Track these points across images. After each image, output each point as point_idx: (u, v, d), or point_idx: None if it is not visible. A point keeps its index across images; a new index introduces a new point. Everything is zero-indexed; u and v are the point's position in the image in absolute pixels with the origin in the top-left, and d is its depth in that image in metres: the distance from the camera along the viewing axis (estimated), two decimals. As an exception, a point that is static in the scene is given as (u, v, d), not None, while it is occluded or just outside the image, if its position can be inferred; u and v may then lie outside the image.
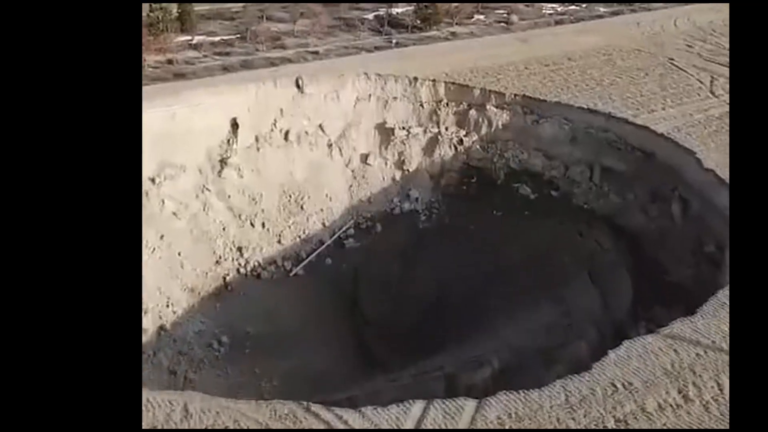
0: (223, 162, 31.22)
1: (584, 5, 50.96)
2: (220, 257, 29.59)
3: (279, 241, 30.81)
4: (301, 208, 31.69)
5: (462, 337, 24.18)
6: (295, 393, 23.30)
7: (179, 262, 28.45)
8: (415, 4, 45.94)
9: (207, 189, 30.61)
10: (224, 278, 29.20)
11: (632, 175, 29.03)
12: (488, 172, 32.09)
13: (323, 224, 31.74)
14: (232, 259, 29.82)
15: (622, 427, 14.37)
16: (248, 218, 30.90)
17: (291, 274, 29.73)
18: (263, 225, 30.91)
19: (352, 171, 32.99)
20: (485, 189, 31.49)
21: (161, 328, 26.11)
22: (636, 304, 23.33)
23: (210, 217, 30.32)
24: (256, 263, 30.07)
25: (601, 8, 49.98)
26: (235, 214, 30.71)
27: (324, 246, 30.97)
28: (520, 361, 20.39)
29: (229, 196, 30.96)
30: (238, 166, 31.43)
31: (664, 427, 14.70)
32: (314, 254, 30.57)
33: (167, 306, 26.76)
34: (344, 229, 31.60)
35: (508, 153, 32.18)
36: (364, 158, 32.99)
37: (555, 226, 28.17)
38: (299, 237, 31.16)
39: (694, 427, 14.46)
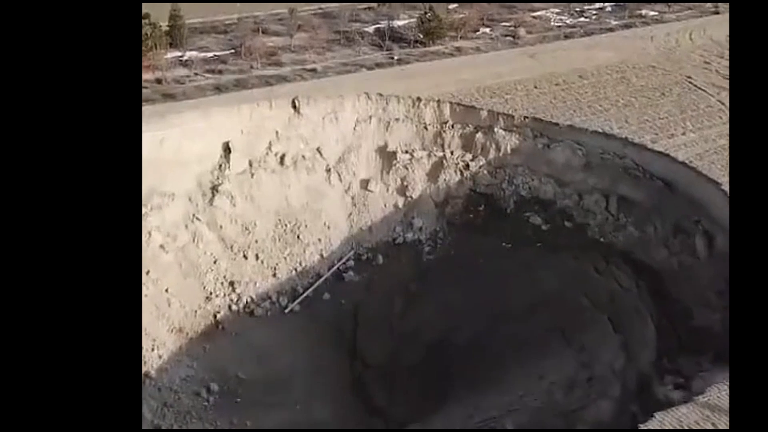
0: (214, 189, 29.36)
1: (594, 17, 48.96)
2: (210, 293, 27.65)
3: (274, 275, 28.85)
4: (298, 237, 29.73)
5: (470, 387, 22.16)
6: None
7: (166, 299, 26.51)
8: (417, 17, 43.89)
9: (197, 218, 28.71)
10: (215, 316, 27.24)
11: (651, 206, 27.07)
12: (496, 199, 30.15)
13: (321, 255, 29.77)
14: (224, 295, 27.87)
15: None
16: (241, 250, 28.95)
17: (286, 311, 27.78)
18: (257, 257, 28.94)
19: (352, 197, 31.05)
20: (493, 218, 29.54)
21: (146, 375, 24.12)
22: (661, 354, 21.35)
23: (200, 249, 28.39)
24: (250, 299, 28.12)
25: (612, 21, 48.01)
26: (227, 245, 28.77)
27: (322, 279, 29.02)
28: (538, 424, 18.35)
29: (220, 226, 29.06)
30: (230, 194, 29.54)
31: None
32: (311, 289, 28.63)
33: (152, 349, 24.82)
34: (344, 260, 29.63)
35: (518, 179, 30.28)
36: (365, 184, 31.08)
37: (569, 261, 26.18)
38: (295, 270, 29.21)
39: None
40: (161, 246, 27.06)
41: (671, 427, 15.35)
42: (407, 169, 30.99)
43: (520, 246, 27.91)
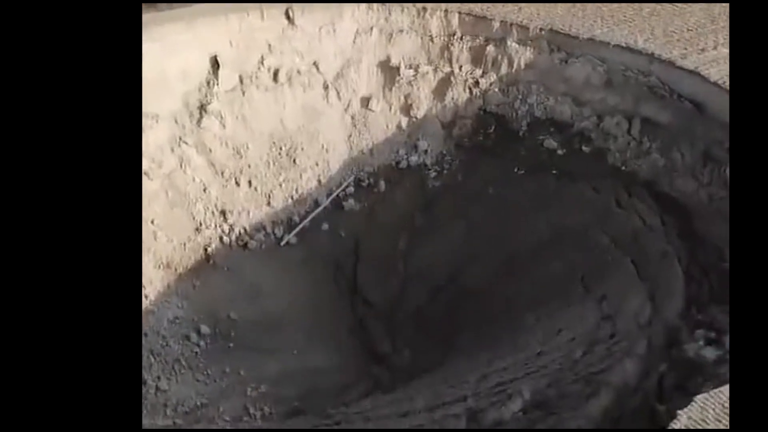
0: (202, 109, 26.61)
1: None
2: (200, 224, 25.39)
3: (268, 203, 26.55)
4: (294, 162, 27.23)
5: (480, 338, 20.24)
6: (284, 401, 19.80)
7: (152, 232, 24.25)
8: None
9: (184, 142, 26.10)
10: (205, 249, 25.09)
11: (678, 130, 24.41)
12: (508, 120, 27.48)
13: (319, 181, 27.39)
14: (215, 226, 25.63)
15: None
16: (232, 175, 26.50)
17: (282, 244, 25.60)
18: (250, 183, 26.54)
19: (352, 117, 28.36)
20: (504, 141, 26.94)
21: (131, 318, 22.05)
22: (690, 304, 19.23)
23: (188, 175, 25.94)
24: (242, 230, 25.91)
25: None
26: (217, 171, 26.31)
27: (320, 208, 26.70)
28: (557, 390, 16.42)
29: (210, 150, 26.50)
30: (219, 114, 26.83)
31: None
32: (309, 219, 26.35)
33: (138, 289, 22.68)
34: (343, 187, 27.26)
35: (532, 98, 27.49)
36: (365, 102, 28.30)
37: (587, 191, 23.79)
38: (291, 197, 26.87)
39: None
40: (145, 173, 24.55)
41: (715, 418, 13.31)
42: (411, 85, 28.18)
43: (533, 173, 25.48)
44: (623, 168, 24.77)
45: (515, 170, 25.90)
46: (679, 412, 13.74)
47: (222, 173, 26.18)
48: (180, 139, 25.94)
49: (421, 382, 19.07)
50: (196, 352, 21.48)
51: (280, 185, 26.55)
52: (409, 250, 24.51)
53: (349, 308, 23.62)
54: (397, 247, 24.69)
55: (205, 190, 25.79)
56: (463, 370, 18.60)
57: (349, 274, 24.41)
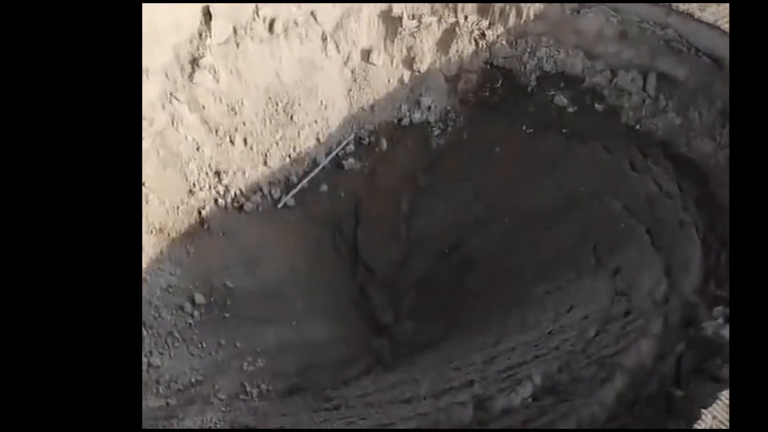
0: (194, 63, 24.87)
1: None
2: (193, 185, 24.05)
3: (265, 162, 25.15)
4: (291, 118, 25.72)
5: (487, 313, 19.16)
6: (282, 377, 18.83)
7: (144, 194, 22.93)
8: None
9: (176, 98, 24.52)
10: (199, 212, 23.80)
11: (696, 87, 22.99)
12: (516, 74, 25.89)
13: (317, 139, 25.91)
14: (209, 187, 24.29)
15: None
16: (227, 133, 25.04)
17: (279, 206, 24.32)
18: (245, 141, 25.09)
19: (352, 71, 26.71)
20: (512, 97, 25.41)
21: (122, 288, 20.94)
22: (707, 278, 18.12)
23: (180, 133, 24.47)
24: (238, 191, 24.57)
25: None
26: (210, 129, 24.82)
27: (319, 168, 25.31)
28: (569, 374, 15.41)
29: (203, 106, 24.93)
30: (213, 67, 25.14)
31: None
32: (307, 179, 24.98)
33: (129, 256, 21.46)
34: (343, 145, 25.82)
35: (541, 51, 25.86)
36: (366, 55, 26.61)
37: (600, 152, 22.44)
38: (289, 156, 25.45)
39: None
40: (135, 132, 23.06)
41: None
42: (414, 37, 26.44)
43: (542, 131, 24.07)
44: (637, 127, 23.41)
45: (523, 129, 24.51)
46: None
47: (216, 131, 24.75)
48: (171, 95, 24.42)
49: (425, 359, 18.06)
50: (190, 323, 20.43)
51: (277, 144, 25.13)
52: (412, 214, 23.26)
53: (350, 275, 22.52)
54: (400, 210, 23.48)
55: (198, 149, 24.39)
56: (470, 349, 17.55)
57: (350, 238, 23.25)
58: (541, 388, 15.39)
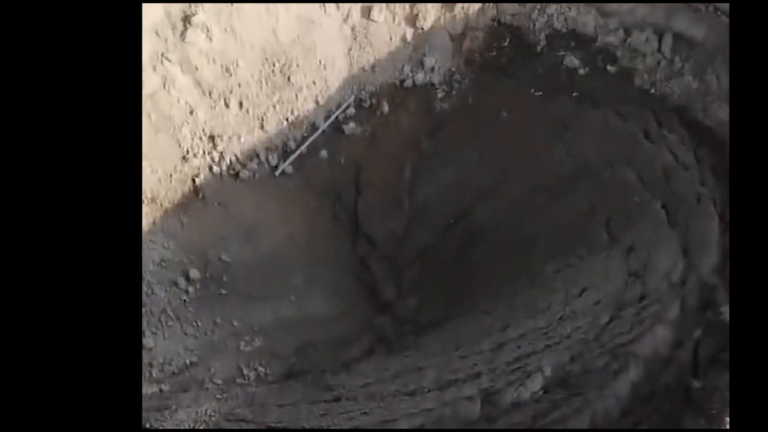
0: (186, 21, 23.41)
1: None
2: (187, 151, 22.84)
3: (261, 126, 23.87)
4: (288, 80, 24.32)
5: (495, 292, 18.16)
6: (280, 358, 17.98)
7: (135, 162, 21.63)
8: None
9: (167, 58, 23.14)
10: (194, 180, 22.65)
11: (714, 48, 21.54)
12: (524, 33, 24.38)
13: (316, 102, 24.55)
14: (204, 153, 23.09)
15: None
16: (222, 96, 23.69)
17: (277, 173, 23.13)
18: (241, 105, 23.78)
19: (352, 29, 25.17)
20: (520, 57, 23.98)
21: (113, 263, 19.90)
22: (726, 256, 17.03)
23: (172, 96, 23.14)
24: (234, 158, 23.37)
25: None
26: (204, 91, 23.49)
27: (318, 132, 24.03)
28: (581, 365, 14.48)
29: (196, 67, 23.55)
30: (206, 26, 23.68)
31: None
32: (306, 144, 23.72)
33: (121, 229, 20.36)
34: (343, 108, 24.48)
35: (551, 8, 24.30)
36: (367, 12, 25.02)
37: (612, 119, 21.15)
38: (287, 120, 24.15)
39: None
40: (125, 95, 21.73)
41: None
42: (418, -8, 24.83)
43: (552, 95, 22.69)
44: (652, 91, 22.04)
45: (531, 91, 23.13)
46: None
47: (210, 93, 23.42)
48: (162, 55, 23.04)
49: (429, 341, 17.08)
50: (185, 300, 19.46)
51: (274, 107, 23.81)
52: (415, 182, 22.08)
53: (350, 247, 21.48)
54: (402, 178, 22.23)
55: (191, 113, 23.12)
56: (476, 332, 16.59)
57: (350, 207, 22.06)
58: (551, 380, 14.47)
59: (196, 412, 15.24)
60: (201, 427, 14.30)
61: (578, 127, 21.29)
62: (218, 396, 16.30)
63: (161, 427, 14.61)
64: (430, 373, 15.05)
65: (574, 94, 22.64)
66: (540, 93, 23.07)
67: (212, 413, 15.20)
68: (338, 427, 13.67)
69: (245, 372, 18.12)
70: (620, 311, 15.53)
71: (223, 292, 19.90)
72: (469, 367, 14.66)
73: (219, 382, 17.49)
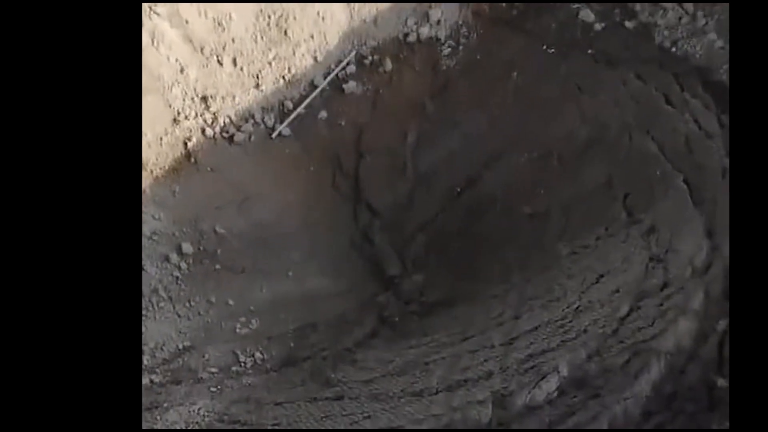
0: (174, -31, 21.55)
1: None
2: (178, 113, 21.27)
3: (257, 85, 22.23)
4: (285, 34, 22.55)
5: (506, 272, 16.90)
6: (278, 342, 16.89)
7: (122, 126, 20.08)
8: None
9: (155, 12, 21.37)
10: (185, 144, 21.13)
11: (741, 3, 19.60)
12: (537, -17, 22.43)
13: (315, 58, 22.82)
14: (196, 115, 21.51)
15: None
16: (214, 53, 21.98)
17: (273, 136, 21.59)
18: (235, 62, 22.07)
19: (352, -23, 23.26)
20: (532, 10, 22.22)
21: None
22: (754, 238, 15.61)
23: (161, 53, 21.46)
24: (227, 119, 21.79)
25: None
26: (195, 48, 21.76)
27: (317, 91, 22.39)
28: (599, 363, 13.35)
29: (186, 21, 21.76)
30: (195, -26, 21.82)
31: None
32: (304, 104, 22.12)
33: (108, 199, 18.95)
34: (343, 65, 22.76)
35: (566, -44, 22.29)
36: (368, -42, 23.07)
37: (631, 81, 19.57)
38: (283, 78, 22.48)
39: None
40: (110, 53, 20.02)
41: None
42: (423, -65, 22.85)
43: (565, 52, 21.04)
44: (673, 50, 20.32)
45: (544, 48, 21.39)
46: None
47: (201, 50, 21.69)
48: (150, 9, 21.22)
49: (436, 327, 15.89)
50: (177, 277, 18.19)
51: (270, 64, 22.13)
52: (419, 147, 20.57)
53: (351, 217, 20.08)
54: (406, 142, 20.69)
55: (182, 71, 21.43)
56: (486, 319, 15.39)
57: (351, 173, 20.58)
58: (567, 380, 13.26)
59: (189, 412, 14.13)
60: (195, 428, 13.12)
61: (594, 88, 19.73)
62: (212, 389, 15.15)
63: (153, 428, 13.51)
64: (438, 370, 13.88)
65: (590, 51, 20.93)
66: (553, 50, 21.41)
67: (206, 413, 14.09)
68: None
69: (241, 359, 16.95)
70: (640, 301, 14.33)
71: (217, 267, 18.62)
72: (480, 365, 13.47)
73: (214, 370, 16.34)
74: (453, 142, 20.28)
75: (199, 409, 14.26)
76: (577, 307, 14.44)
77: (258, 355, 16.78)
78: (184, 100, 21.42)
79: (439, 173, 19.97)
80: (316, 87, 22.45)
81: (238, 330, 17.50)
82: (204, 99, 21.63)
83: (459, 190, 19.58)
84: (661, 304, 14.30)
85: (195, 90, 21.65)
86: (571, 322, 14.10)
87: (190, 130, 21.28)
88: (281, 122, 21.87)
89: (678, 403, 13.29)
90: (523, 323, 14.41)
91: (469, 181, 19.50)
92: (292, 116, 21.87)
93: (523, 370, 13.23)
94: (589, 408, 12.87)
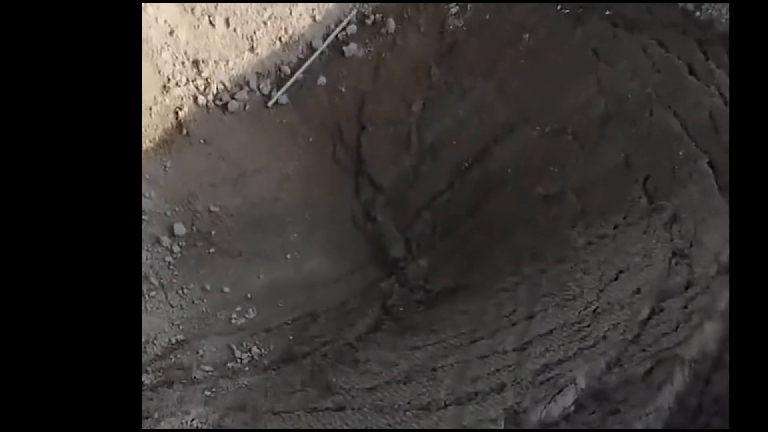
0: None
1: None
2: (168, 79, 19.73)
3: (252, 48, 20.60)
4: (280, -9, 20.74)
5: (516, 258, 15.69)
6: (276, 334, 15.82)
7: (108, 95, 18.54)
8: None
9: (141, -31, 19.52)
10: (176, 114, 19.66)
11: (772, -39, 17.80)
12: (551, -66, 20.52)
13: (313, 18, 21.07)
14: (187, 81, 19.96)
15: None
16: (205, 12, 20.31)
17: (270, 104, 20.07)
18: (227, 23, 20.40)
19: (353, -74, 21.32)
20: (545, -34, 20.25)
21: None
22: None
23: (150, 15, 19.79)
24: (221, 86, 20.24)
25: None
26: (185, 8, 20.08)
27: (316, 54, 20.75)
28: (619, 375, 12.28)
29: (175, -21, 19.95)
30: (184, -75, 19.95)
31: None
32: (302, 69, 20.52)
33: (95, 176, 17.58)
34: (343, 25, 21.05)
35: None
36: None
37: (651, 48, 17.94)
38: (280, 40, 20.83)
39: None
40: (95, 16, 18.32)
41: None
42: None
43: (581, 14, 19.24)
44: (697, 14, 18.59)
45: (558, 8, 19.63)
46: None
47: (192, 10, 20.03)
48: (135, -35, 19.26)
49: (443, 322, 14.76)
50: (170, 262, 16.98)
51: (265, 24, 20.44)
52: (425, 116, 19.08)
53: (353, 193, 18.72)
54: (410, 111, 19.16)
55: (171, 34, 19.82)
56: (497, 316, 14.25)
57: (352, 144, 19.15)
58: (585, 392, 12.17)
59: (181, 423, 13.08)
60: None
61: (611, 56, 18.13)
62: (207, 393, 14.10)
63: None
64: (446, 379, 12.80)
65: (607, 13, 19.17)
66: (567, 10, 19.62)
67: (199, 424, 13.04)
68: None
69: (237, 354, 15.88)
70: (663, 302, 13.10)
71: (212, 250, 17.39)
72: (491, 375, 12.35)
73: (208, 369, 15.28)
74: (460, 112, 18.79)
75: (192, 420, 13.21)
76: (595, 309, 13.25)
77: (255, 350, 15.73)
78: (174, 65, 19.85)
79: (445, 146, 18.58)
80: (314, 50, 20.81)
81: (234, 320, 16.40)
82: (195, 63, 20.04)
83: (467, 164, 18.11)
84: (686, 306, 13.05)
85: (186, 54, 20.06)
86: (588, 326, 12.89)
87: (182, 99, 19.76)
88: (278, 89, 20.34)
89: (703, 418, 12.24)
90: (537, 325, 13.22)
91: (478, 155, 18.08)
92: (290, 82, 20.36)
93: (538, 382, 12.14)
94: (608, 424, 11.77)
